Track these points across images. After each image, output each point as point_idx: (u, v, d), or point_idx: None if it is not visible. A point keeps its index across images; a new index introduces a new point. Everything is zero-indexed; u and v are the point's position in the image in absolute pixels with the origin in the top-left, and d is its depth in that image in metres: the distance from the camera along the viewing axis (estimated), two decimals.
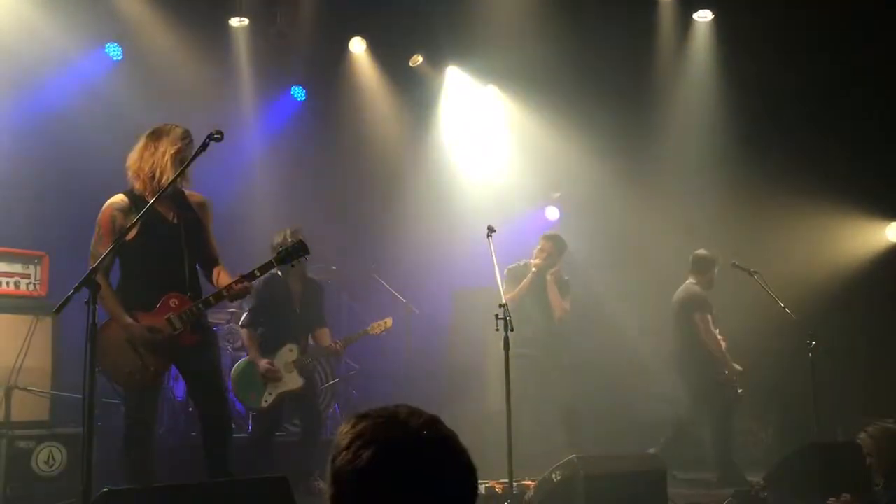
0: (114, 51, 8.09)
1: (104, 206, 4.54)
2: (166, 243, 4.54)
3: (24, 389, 5.68)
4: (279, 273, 6.19)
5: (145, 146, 4.54)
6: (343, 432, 1.62)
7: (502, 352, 5.18)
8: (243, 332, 6.54)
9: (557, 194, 10.13)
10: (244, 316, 6.58)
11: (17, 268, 5.96)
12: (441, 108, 9.94)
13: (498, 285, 5.58)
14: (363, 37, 9.36)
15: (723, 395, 7.31)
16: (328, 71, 9.39)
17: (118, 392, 4.53)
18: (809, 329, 6.66)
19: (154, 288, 4.50)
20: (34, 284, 5.99)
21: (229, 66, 8.81)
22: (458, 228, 9.08)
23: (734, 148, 9.12)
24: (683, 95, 9.64)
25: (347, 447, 1.58)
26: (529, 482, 5.39)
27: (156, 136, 4.55)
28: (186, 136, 4.57)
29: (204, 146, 4.29)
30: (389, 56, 9.52)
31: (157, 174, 4.47)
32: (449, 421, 1.64)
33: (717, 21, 9.43)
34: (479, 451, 1.74)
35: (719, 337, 7.37)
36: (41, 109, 7.51)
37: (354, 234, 9.27)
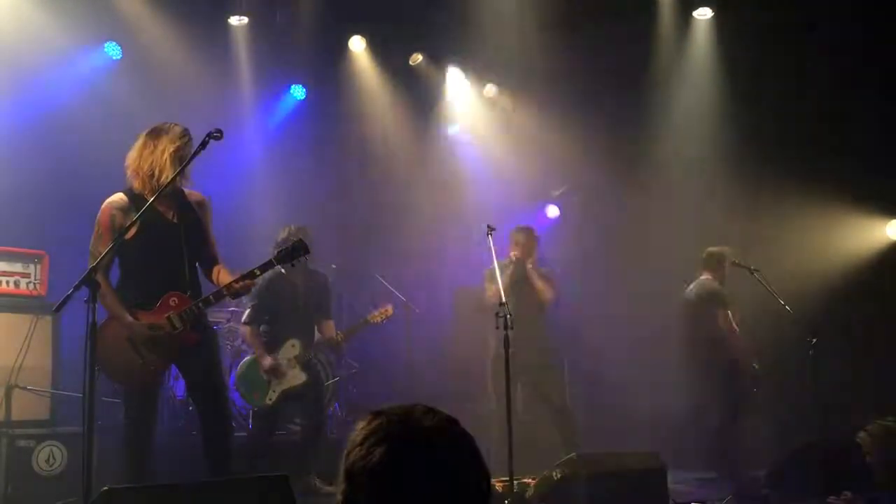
0: (113, 50, 8.09)
1: (103, 205, 4.54)
2: (166, 242, 4.53)
3: (25, 389, 5.69)
4: (282, 270, 6.17)
5: (144, 145, 4.54)
6: (358, 429, 1.61)
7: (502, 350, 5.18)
8: (245, 329, 6.52)
9: (557, 192, 10.13)
10: (246, 313, 6.56)
11: (17, 267, 5.97)
12: (441, 106, 9.93)
13: (499, 283, 5.58)
14: (363, 35, 9.36)
15: (737, 392, 7.26)
16: (328, 69, 9.38)
17: (118, 391, 4.52)
18: (810, 327, 6.66)
19: (154, 287, 4.50)
20: (34, 283, 6.00)
21: (229, 65, 8.81)
22: (458, 227, 9.08)
23: (733, 146, 9.11)
24: (683, 93, 9.63)
25: (361, 444, 1.58)
26: (530, 480, 5.39)
27: (155, 134, 4.55)
28: (185, 135, 4.57)
29: (203, 145, 4.30)
30: (389, 54, 9.52)
31: (157, 173, 4.47)
32: None
33: (717, 19, 9.42)
34: (480, 450, 1.73)
35: None
36: (41, 108, 7.50)
37: (354, 233, 9.27)
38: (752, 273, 7.16)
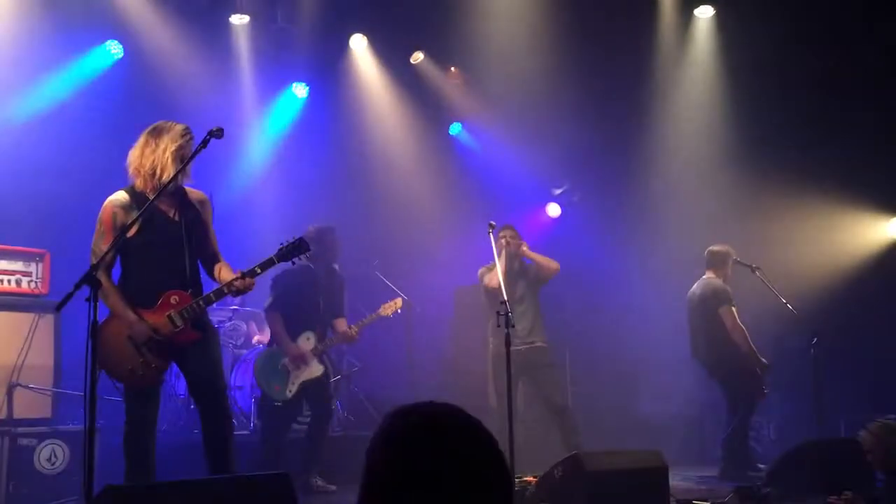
0: (115, 48, 8.10)
1: (105, 203, 4.54)
2: (167, 240, 4.54)
3: (26, 387, 5.69)
4: (311, 265, 6.34)
5: (146, 143, 4.54)
6: (382, 427, 1.62)
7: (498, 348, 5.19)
8: (271, 315, 6.54)
9: (558, 191, 10.13)
10: (269, 300, 6.57)
11: (19, 266, 5.96)
12: (442, 104, 9.93)
13: (499, 281, 5.58)
14: (364, 33, 9.36)
15: (749, 391, 7.26)
16: (329, 68, 9.39)
17: (119, 389, 4.52)
18: (811, 325, 6.65)
19: (155, 285, 4.50)
20: (35, 282, 5.99)
21: (230, 63, 8.81)
22: (459, 225, 9.08)
23: (735, 144, 9.12)
24: (685, 91, 9.63)
25: (384, 442, 1.59)
26: (531, 478, 5.38)
27: (156, 133, 4.55)
28: (187, 133, 4.57)
29: (204, 143, 4.30)
30: (390, 53, 9.52)
31: (158, 171, 4.47)
32: None
33: (718, 17, 9.42)
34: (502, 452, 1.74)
35: None
36: (42, 107, 7.52)
37: (355, 231, 9.27)
38: (754, 271, 7.16)
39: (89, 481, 3.61)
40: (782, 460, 6.40)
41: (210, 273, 4.74)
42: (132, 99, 7.74)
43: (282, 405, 6.41)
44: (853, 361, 8.47)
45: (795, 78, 8.77)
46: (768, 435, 8.97)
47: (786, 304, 6.93)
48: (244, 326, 8.14)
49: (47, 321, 5.86)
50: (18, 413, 5.66)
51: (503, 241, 7.14)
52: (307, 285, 6.53)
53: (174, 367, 5.21)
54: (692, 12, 9.45)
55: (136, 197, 4.52)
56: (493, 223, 5.87)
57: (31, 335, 5.73)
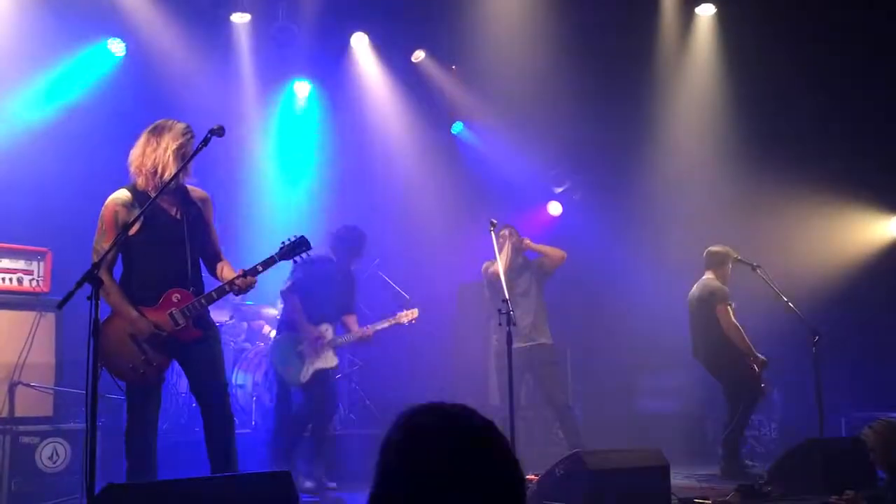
0: (117, 47, 8.10)
1: (107, 202, 4.54)
2: (169, 238, 4.54)
3: (28, 385, 5.69)
4: (333, 257, 6.53)
5: (147, 142, 4.54)
6: (396, 425, 1.63)
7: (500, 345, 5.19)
8: (290, 297, 6.50)
9: (560, 189, 10.12)
10: (287, 283, 6.55)
11: (20, 264, 5.96)
12: (443, 103, 9.93)
13: (500, 279, 5.58)
14: (365, 32, 9.35)
15: (748, 389, 7.26)
16: (330, 66, 9.38)
17: (120, 387, 4.52)
18: (813, 324, 6.65)
19: (156, 283, 4.50)
20: (37, 281, 5.99)
21: (231, 62, 8.82)
22: (461, 223, 9.08)
23: (736, 142, 9.11)
24: (686, 89, 9.62)
25: (400, 441, 1.59)
26: (532, 476, 5.39)
27: (157, 131, 4.55)
28: (188, 132, 4.57)
29: (205, 141, 4.31)
30: (391, 51, 9.52)
31: (160, 170, 4.47)
32: None
33: (720, 15, 9.41)
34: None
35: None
36: (44, 105, 7.52)
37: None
38: (755, 269, 7.16)
39: (91, 480, 3.61)
40: (784, 458, 6.40)
41: (212, 271, 4.74)
42: (134, 97, 7.74)
43: (301, 387, 6.39)
44: (855, 360, 8.47)
45: (797, 75, 8.76)
46: (769, 434, 8.97)
47: (787, 302, 6.93)
48: (245, 324, 8.15)
49: (49, 320, 5.87)
50: (20, 411, 5.66)
51: (505, 232, 7.17)
52: (327, 277, 6.55)
53: (175, 365, 5.22)
54: (693, 10, 9.44)
55: (138, 195, 4.52)
56: (495, 221, 5.88)
57: (32, 334, 5.74)
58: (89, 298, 3.74)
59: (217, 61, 8.60)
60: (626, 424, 8.42)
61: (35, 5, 7.45)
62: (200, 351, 4.54)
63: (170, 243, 4.54)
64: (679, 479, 6.34)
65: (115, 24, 8.03)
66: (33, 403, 5.73)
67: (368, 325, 6.64)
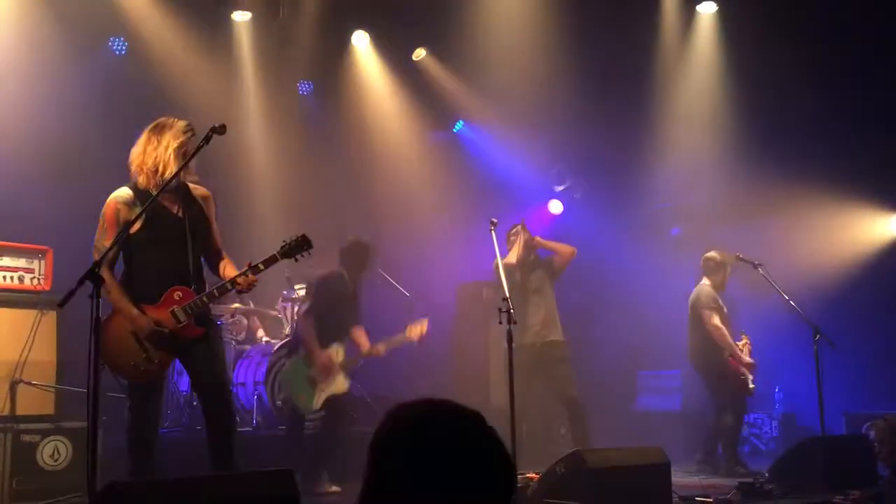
0: (118, 45, 8.10)
1: (108, 200, 4.54)
2: (171, 236, 4.54)
3: (29, 384, 5.69)
4: (344, 272, 6.43)
5: (148, 140, 4.54)
6: (384, 423, 1.63)
7: (505, 344, 5.19)
8: (305, 321, 6.39)
9: (561, 188, 10.12)
10: (305, 305, 6.50)
11: (21, 262, 5.96)
12: (443, 101, 9.92)
13: (501, 278, 5.59)
14: (366, 30, 9.35)
15: (728, 388, 7.36)
16: (331, 64, 9.38)
17: (121, 385, 4.52)
18: (814, 322, 6.65)
19: (158, 281, 4.50)
20: (38, 279, 5.99)
21: (232, 60, 8.82)
22: (462, 222, 9.08)
23: (736, 140, 9.11)
24: (687, 88, 9.62)
25: (386, 439, 1.60)
26: (533, 475, 5.39)
27: (158, 129, 4.55)
28: (189, 130, 4.56)
29: (207, 139, 4.30)
30: (392, 49, 9.51)
31: (161, 168, 4.46)
32: None
33: (721, 13, 9.40)
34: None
35: (742, 342, 7.41)
36: (45, 103, 7.51)
37: (357, 228, 9.26)
38: (756, 268, 7.17)
39: (92, 478, 3.61)
40: (786, 456, 6.41)
41: (213, 269, 4.74)
42: (135, 95, 7.74)
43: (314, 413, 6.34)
44: (856, 358, 8.46)
45: (798, 73, 8.75)
46: (770, 432, 8.98)
47: (788, 300, 6.93)
48: (245, 322, 8.15)
49: (50, 318, 5.86)
50: (21, 410, 5.66)
51: (517, 228, 7.20)
52: (342, 295, 6.45)
53: (177, 364, 5.22)
54: (694, 8, 9.44)
55: (139, 193, 4.52)
56: (495, 220, 5.88)
57: (33, 332, 5.74)
58: (90, 296, 3.74)
59: (218, 59, 8.60)
60: (627, 422, 8.43)
61: (36, 5, 7.45)
62: (202, 349, 4.54)
63: (171, 241, 4.54)
64: (680, 477, 6.34)
65: (117, 23, 8.03)
66: (34, 402, 5.73)
67: (380, 343, 6.57)
